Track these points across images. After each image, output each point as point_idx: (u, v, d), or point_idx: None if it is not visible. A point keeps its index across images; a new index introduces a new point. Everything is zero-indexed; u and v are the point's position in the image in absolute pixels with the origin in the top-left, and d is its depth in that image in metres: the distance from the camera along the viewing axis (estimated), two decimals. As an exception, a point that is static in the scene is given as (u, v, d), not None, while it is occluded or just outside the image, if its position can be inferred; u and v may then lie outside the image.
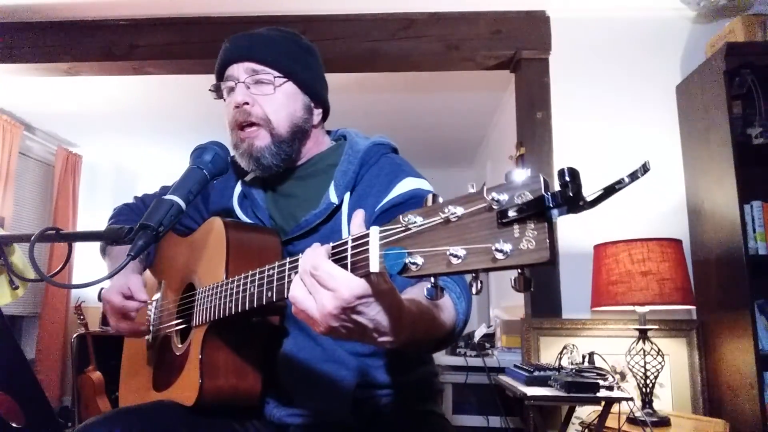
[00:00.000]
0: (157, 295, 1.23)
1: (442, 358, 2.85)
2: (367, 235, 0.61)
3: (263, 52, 1.09)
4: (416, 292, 0.79)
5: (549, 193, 0.47)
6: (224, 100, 1.15)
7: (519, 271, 0.51)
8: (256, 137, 1.08)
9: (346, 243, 0.64)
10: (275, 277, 0.79)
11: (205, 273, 1.07)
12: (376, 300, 0.63)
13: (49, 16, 2.86)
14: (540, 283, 2.50)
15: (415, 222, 0.57)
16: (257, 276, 0.84)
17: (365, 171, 1.10)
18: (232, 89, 1.10)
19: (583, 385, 1.75)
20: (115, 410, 0.99)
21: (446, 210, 0.54)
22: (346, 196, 1.07)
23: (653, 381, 2.00)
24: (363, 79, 3.43)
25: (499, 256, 0.50)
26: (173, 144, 4.76)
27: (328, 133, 1.24)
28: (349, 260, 0.63)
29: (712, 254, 2.26)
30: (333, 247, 0.66)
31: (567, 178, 0.47)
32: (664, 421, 1.94)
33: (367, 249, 0.60)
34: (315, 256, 0.64)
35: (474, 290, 0.55)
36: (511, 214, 0.49)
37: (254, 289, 0.84)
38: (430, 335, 0.80)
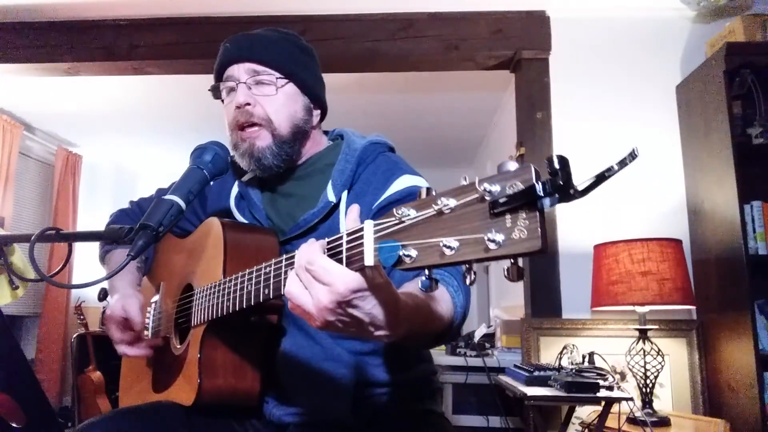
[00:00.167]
0: (156, 297, 1.23)
1: (442, 358, 2.85)
2: (361, 229, 0.62)
3: (264, 52, 1.09)
4: (413, 287, 0.79)
5: (539, 182, 0.47)
6: (222, 100, 1.15)
7: (512, 260, 0.51)
8: (258, 137, 1.08)
9: (341, 238, 0.65)
10: (272, 274, 0.79)
11: (203, 274, 1.07)
12: (372, 293, 0.63)
13: (49, 16, 2.86)
14: (540, 283, 2.50)
15: (409, 215, 0.57)
16: (254, 274, 0.84)
17: (362, 169, 1.10)
18: (232, 89, 1.10)
19: (583, 385, 1.75)
20: (114, 411, 0.99)
21: (439, 202, 0.55)
22: (344, 195, 1.07)
23: (653, 381, 2.00)
24: (363, 79, 3.43)
25: (491, 246, 0.50)
26: (173, 144, 4.76)
27: (325, 133, 1.24)
28: (344, 254, 0.64)
29: (712, 254, 2.26)
30: (328, 242, 0.67)
31: (556, 166, 0.47)
32: (664, 421, 1.94)
33: (362, 243, 0.61)
34: (310, 252, 0.65)
35: (468, 281, 0.55)
36: (503, 204, 0.49)
37: (251, 287, 0.84)
38: (427, 328, 0.80)
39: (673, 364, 2.29)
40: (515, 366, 2.09)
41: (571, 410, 2.09)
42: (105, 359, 3.93)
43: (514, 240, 0.49)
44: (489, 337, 3.06)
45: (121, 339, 1.10)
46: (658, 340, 2.10)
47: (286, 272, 0.75)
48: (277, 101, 1.09)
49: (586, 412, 2.09)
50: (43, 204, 4.70)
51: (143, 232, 0.88)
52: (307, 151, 1.16)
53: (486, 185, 0.51)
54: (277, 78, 1.09)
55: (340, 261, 0.64)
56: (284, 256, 0.77)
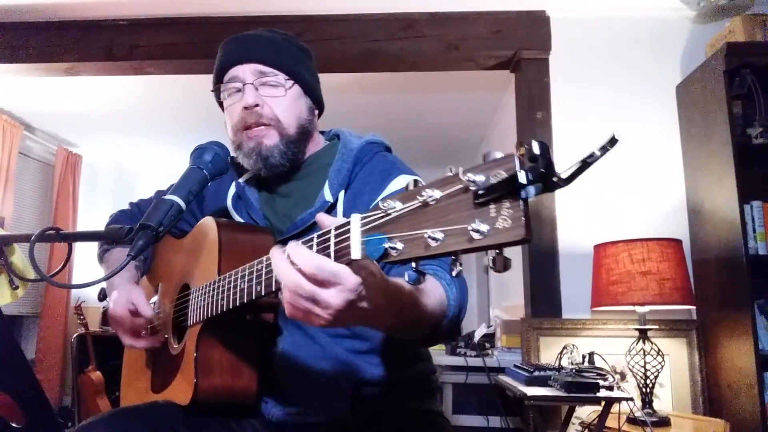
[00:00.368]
0: (155, 298, 1.23)
1: (442, 358, 2.86)
2: (348, 223, 0.62)
3: (269, 53, 1.09)
4: (402, 280, 0.79)
5: (522, 171, 0.47)
6: (221, 101, 1.15)
7: (497, 251, 0.51)
8: (265, 136, 1.08)
9: (329, 232, 0.65)
10: (264, 271, 0.79)
11: (200, 273, 1.07)
12: (370, 284, 0.64)
13: (49, 16, 2.86)
14: (540, 283, 2.50)
15: (395, 207, 0.57)
16: (246, 271, 0.84)
17: (359, 169, 1.10)
18: (238, 90, 1.10)
19: (583, 385, 1.75)
20: (112, 411, 0.99)
21: (424, 193, 0.54)
22: (341, 195, 1.08)
23: (653, 381, 2.00)
24: (363, 79, 3.43)
25: (476, 236, 0.50)
26: (173, 144, 4.76)
27: (321, 133, 1.25)
28: (332, 249, 0.64)
29: (712, 254, 2.26)
30: (318, 236, 0.66)
31: (536, 152, 0.46)
32: (664, 421, 1.94)
33: (349, 237, 0.61)
34: (312, 257, 0.64)
35: (454, 273, 0.55)
36: (486, 193, 0.49)
37: (244, 284, 0.84)
38: (418, 320, 0.79)
39: (673, 364, 2.29)
40: (515, 366, 2.09)
41: (571, 410, 2.09)
42: (105, 359, 3.93)
43: (498, 230, 0.49)
44: (489, 337, 3.06)
45: (129, 330, 1.10)
46: (658, 340, 2.10)
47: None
48: (286, 102, 1.09)
49: (586, 412, 2.09)
50: (43, 204, 4.70)
51: (143, 232, 0.88)
52: (308, 152, 1.17)
53: (470, 175, 0.50)
54: (285, 80, 1.09)
55: (328, 255, 0.64)
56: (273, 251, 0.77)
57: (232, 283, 0.88)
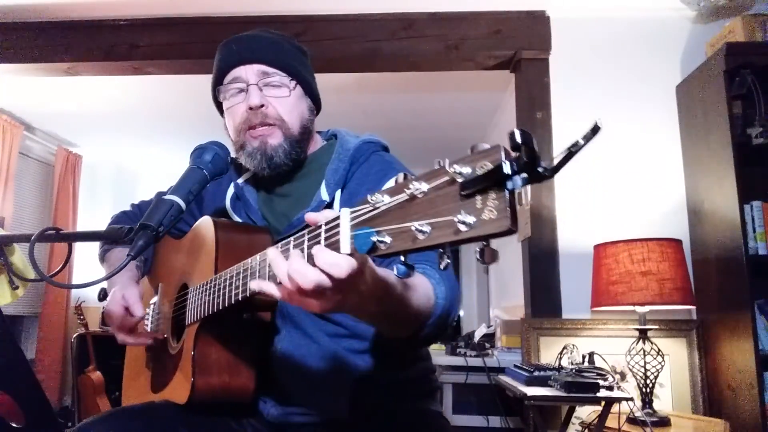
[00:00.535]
0: (155, 299, 1.23)
1: (442, 358, 2.86)
2: (338, 218, 0.62)
3: (272, 54, 1.10)
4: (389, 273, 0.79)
5: (507, 161, 0.47)
6: (220, 102, 1.15)
7: (484, 242, 0.51)
8: (270, 135, 1.08)
9: (320, 227, 0.65)
10: (257, 267, 0.80)
11: (198, 273, 1.07)
12: (362, 272, 0.64)
13: (49, 16, 2.85)
14: (540, 283, 2.50)
15: (383, 201, 0.57)
16: (241, 269, 0.85)
17: (356, 168, 1.11)
18: (240, 91, 1.10)
19: (583, 385, 1.75)
20: (111, 410, 1.00)
21: (411, 186, 0.54)
22: (337, 194, 1.08)
23: (653, 381, 2.00)
24: (363, 79, 3.43)
25: (462, 228, 0.49)
26: (173, 144, 4.76)
27: (319, 133, 1.25)
28: (323, 244, 0.64)
29: (712, 254, 2.26)
30: (308, 231, 0.67)
31: (518, 141, 0.46)
32: (664, 421, 1.94)
33: (339, 231, 0.61)
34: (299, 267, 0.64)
35: (441, 266, 0.55)
36: (472, 185, 0.49)
37: (239, 281, 0.85)
38: (405, 311, 0.79)
39: (673, 364, 2.29)
40: (515, 366, 2.09)
41: (571, 410, 2.09)
42: (105, 359, 3.93)
43: (484, 221, 0.48)
44: (489, 337, 3.06)
45: (120, 326, 1.10)
46: (658, 340, 2.10)
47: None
48: (290, 103, 1.10)
49: (586, 412, 2.09)
50: (43, 204, 4.70)
51: (143, 232, 0.88)
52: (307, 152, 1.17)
53: (456, 167, 0.50)
54: (289, 80, 1.10)
55: None
56: (268, 249, 0.77)
57: (227, 281, 0.89)
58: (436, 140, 4.70)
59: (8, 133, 3.97)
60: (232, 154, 1.12)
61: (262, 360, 1.05)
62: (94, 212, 4.99)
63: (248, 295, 0.82)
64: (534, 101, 2.64)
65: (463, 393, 2.79)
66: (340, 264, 0.61)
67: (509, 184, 0.47)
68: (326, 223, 0.64)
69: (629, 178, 2.55)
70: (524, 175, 0.47)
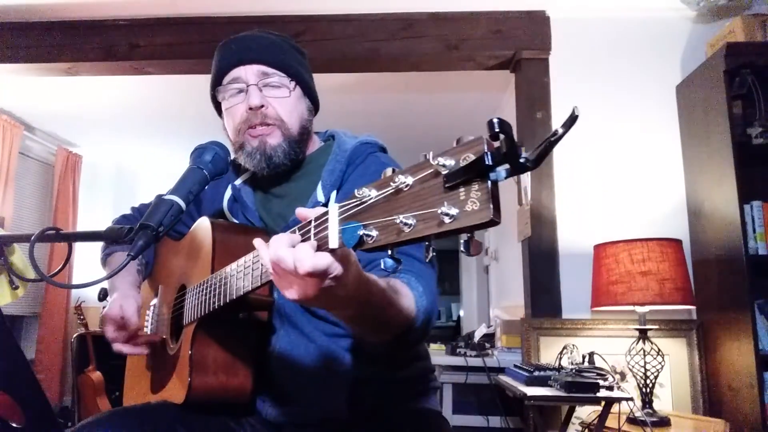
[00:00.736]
0: (155, 301, 1.23)
1: (442, 358, 2.86)
2: (327, 213, 0.63)
3: (271, 54, 1.10)
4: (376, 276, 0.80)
5: (489, 153, 0.47)
6: (219, 102, 1.15)
7: (468, 234, 0.51)
8: (270, 135, 1.09)
9: (310, 223, 0.66)
10: (251, 265, 0.80)
11: (195, 274, 1.07)
12: (346, 267, 0.65)
13: (49, 16, 2.85)
14: (540, 283, 2.50)
15: (370, 195, 0.58)
16: (235, 268, 0.85)
17: (352, 170, 1.11)
18: (240, 91, 1.10)
19: (583, 385, 1.75)
20: (109, 411, 1.00)
21: (397, 180, 0.55)
22: (333, 195, 1.08)
23: (653, 381, 2.00)
24: (363, 79, 3.43)
25: (446, 219, 0.50)
26: (173, 144, 4.76)
27: (317, 134, 1.25)
28: (312, 239, 0.64)
29: (712, 254, 2.26)
30: (300, 228, 0.68)
31: (496, 130, 0.46)
32: (664, 421, 1.94)
33: (328, 226, 0.62)
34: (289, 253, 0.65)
35: (427, 258, 0.56)
36: (454, 177, 0.49)
37: (233, 280, 0.85)
38: (383, 315, 0.79)
39: (673, 364, 2.29)
40: (515, 366, 2.09)
41: (571, 410, 2.09)
42: (105, 359, 3.92)
43: (467, 212, 0.49)
44: (489, 337, 3.06)
45: (115, 337, 1.10)
46: (658, 340, 2.10)
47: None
48: (289, 103, 1.10)
49: (586, 412, 2.09)
50: (43, 204, 4.69)
51: (143, 232, 0.88)
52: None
53: (440, 159, 0.51)
54: (289, 81, 1.10)
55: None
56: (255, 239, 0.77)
57: (222, 281, 0.89)
58: (435, 140, 4.69)
59: (8, 133, 3.97)
60: (232, 155, 1.12)
61: (260, 360, 1.05)
62: (94, 212, 4.99)
63: (242, 293, 0.82)
64: (534, 101, 2.64)
65: (463, 393, 2.79)
66: (318, 256, 0.62)
67: (492, 176, 0.47)
68: (315, 219, 0.65)
69: (629, 178, 2.55)
70: (507, 166, 0.47)
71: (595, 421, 1.82)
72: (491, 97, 3.73)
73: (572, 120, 0.46)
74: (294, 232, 0.68)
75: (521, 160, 0.46)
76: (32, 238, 0.95)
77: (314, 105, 1.19)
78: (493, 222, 0.47)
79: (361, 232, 0.57)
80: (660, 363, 2.00)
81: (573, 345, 2.12)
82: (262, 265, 0.77)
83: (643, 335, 2.03)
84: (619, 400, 1.76)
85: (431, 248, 0.55)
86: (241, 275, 0.83)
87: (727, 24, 2.40)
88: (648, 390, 2.00)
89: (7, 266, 1.30)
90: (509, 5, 2.70)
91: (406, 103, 3.94)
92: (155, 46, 2.83)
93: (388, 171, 0.58)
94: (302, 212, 0.68)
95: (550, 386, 1.84)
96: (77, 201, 4.79)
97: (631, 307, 2.05)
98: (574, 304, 2.45)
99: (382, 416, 1.06)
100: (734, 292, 2.10)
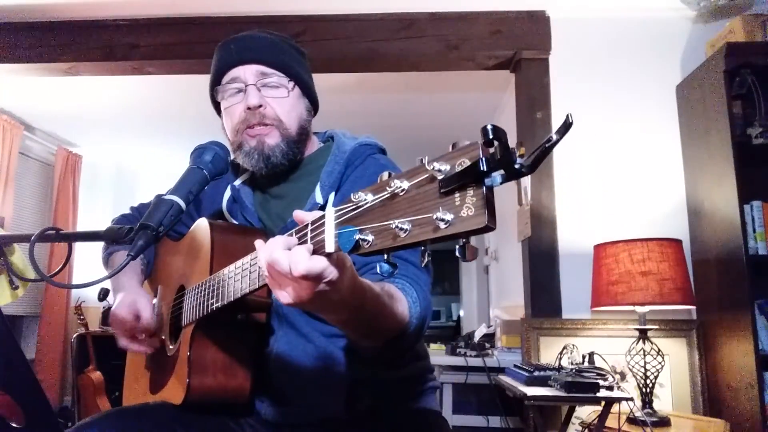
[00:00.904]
0: (154, 301, 1.24)
1: (442, 358, 2.86)
2: (323, 217, 0.63)
3: (270, 55, 1.10)
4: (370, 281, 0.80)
5: (483, 158, 0.47)
6: (218, 102, 1.15)
7: (464, 239, 0.51)
8: (268, 135, 1.09)
9: (306, 227, 0.66)
10: (249, 267, 0.80)
11: (194, 275, 1.07)
12: (340, 271, 0.65)
13: (49, 16, 2.85)
14: (540, 283, 2.50)
15: (366, 199, 0.58)
16: (233, 269, 0.85)
17: (351, 171, 1.11)
18: (238, 91, 1.10)
19: (583, 385, 1.75)
20: (108, 411, 1.00)
21: (393, 184, 0.55)
22: (331, 196, 1.08)
23: (653, 381, 2.00)
24: (363, 79, 3.43)
25: (441, 225, 0.50)
26: (173, 144, 4.76)
27: (316, 134, 1.25)
28: (309, 243, 0.65)
29: (712, 254, 2.26)
30: (296, 231, 0.67)
31: (490, 136, 0.46)
32: (664, 421, 1.94)
33: (324, 230, 0.62)
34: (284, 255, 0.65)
35: (423, 263, 0.56)
36: (451, 182, 0.49)
37: (231, 282, 0.85)
38: (377, 321, 0.80)
39: (673, 364, 2.29)
40: (515, 366, 2.09)
41: (571, 410, 2.09)
42: (105, 359, 3.92)
43: (462, 218, 0.49)
44: (489, 337, 3.06)
45: (125, 334, 1.10)
46: (658, 340, 2.10)
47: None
48: (288, 103, 1.10)
49: (586, 412, 2.09)
50: (43, 204, 4.69)
51: (143, 232, 0.88)
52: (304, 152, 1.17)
53: (436, 164, 0.51)
54: (288, 81, 1.10)
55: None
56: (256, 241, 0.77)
57: (220, 282, 0.89)
58: (435, 140, 4.70)
59: (8, 133, 3.97)
60: (231, 155, 1.12)
61: (259, 360, 1.05)
62: (94, 212, 4.99)
63: (240, 295, 0.82)
64: (534, 101, 2.64)
65: (463, 393, 2.79)
66: (313, 260, 0.62)
67: (487, 181, 0.47)
68: (312, 222, 0.65)
69: (629, 178, 2.55)
70: (502, 171, 0.47)
71: (595, 421, 1.82)
72: (491, 97, 3.73)
73: (567, 127, 0.46)
74: (291, 234, 0.68)
75: (516, 166, 0.46)
76: (32, 238, 0.95)
77: (314, 105, 1.19)
78: (488, 228, 0.47)
79: (357, 237, 0.57)
80: (660, 363, 2.00)
81: (573, 345, 2.12)
82: (260, 267, 0.77)
83: (643, 335, 2.03)
84: (619, 400, 1.76)
85: (427, 253, 0.55)
86: (239, 277, 0.83)
87: (727, 24, 2.40)
88: (648, 390, 2.00)
89: (7, 266, 1.30)
90: (509, 5, 2.70)
91: (406, 103, 3.94)
92: (155, 46, 2.83)
93: (385, 175, 0.58)
94: (299, 215, 0.68)
95: (550, 386, 1.84)
96: (77, 201, 4.79)
97: (631, 307, 2.05)
98: (574, 304, 2.45)
99: (381, 416, 1.06)
100: (734, 292, 2.10)
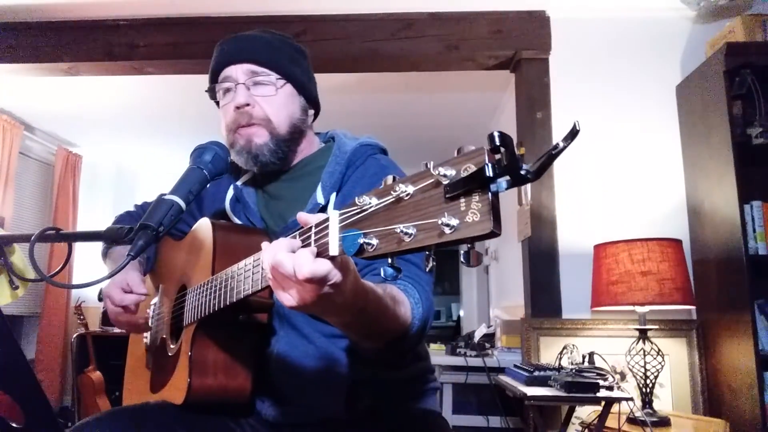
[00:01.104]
0: (155, 300, 1.24)
1: (442, 358, 2.86)
2: (327, 220, 0.63)
3: (262, 53, 1.10)
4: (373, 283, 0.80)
5: (489, 164, 0.47)
6: (217, 101, 1.15)
7: (469, 245, 0.51)
8: (255, 134, 1.09)
9: (310, 229, 0.66)
10: (252, 269, 0.80)
11: (196, 274, 1.07)
12: (343, 274, 0.65)
13: (49, 16, 2.85)
14: (540, 283, 2.50)
15: (370, 203, 0.57)
16: (236, 270, 0.85)
17: (352, 172, 1.11)
18: (230, 90, 1.11)
19: (583, 385, 1.75)
20: (108, 410, 1.00)
21: (397, 188, 0.55)
22: (332, 197, 1.08)
23: (653, 381, 2.00)
24: (363, 79, 3.43)
25: (446, 230, 0.50)
26: (173, 144, 4.76)
27: (318, 134, 1.25)
28: (313, 246, 0.64)
29: (712, 254, 2.26)
30: (300, 233, 0.67)
31: (497, 143, 0.46)
32: (664, 421, 1.94)
33: (328, 234, 0.62)
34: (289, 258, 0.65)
35: (427, 268, 0.56)
36: (456, 187, 0.49)
37: (234, 283, 0.85)
38: (379, 323, 0.80)
39: (673, 364, 2.29)
40: (515, 366, 2.09)
41: (571, 410, 2.09)
42: (105, 359, 3.93)
43: (467, 223, 0.49)
44: (489, 337, 3.06)
45: (119, 302, 1.09)
46: (658, 340, 2.10)
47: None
48: (277, 102, 1.10)
49: (586, 412, 2.09)
50: (43, 204, 4.69)
51: (143, 232, 0.88)
52: (301, 152, 1.17)
53: (441, 169, 0.51)
54: (276, 79, 1.10)
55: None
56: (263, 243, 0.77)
57: (223, 283, 0.89)
58: (435, 140, 4.70)
59: (8, 133, 3.97)
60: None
61: (260, 361, 1.05)
62: (94, 212, 4.99)
63: (242, 296, 0.82)
64: (534, 101, 2.64)
65: (463, 393, 2.79)
66: (317, 263, 0.62)
67: (493, 187, 0.48)
68: (316, 225, 0.65)
69: (629, 178, 2.55)
70: (507, 177, 0.47)
71: (595, 421, 1.82)
72: (491, 97, 3.73)
73: (573, 134, 0.46)
74: (294, 237, 0.68)
75: (522, 172, 0.46)
76: (32, 238, 0.95)
77: (313, 105, 1.19)
78: (494, 234, 0.47)
79: (361, 241, 0.57)
80: (660, 363, 2.00)
81: (573, 345, 2.12)
82: (263, 268, 0.77)
83: (643, 335, 2.03)
84: (619, 400, 1.76)
85: (431, 258, 0.55)
86: (242, 278, 0.83)
87: (727, 24, 2.40)
88: (648, 390, 2.00)
89: (7, 266, 1.30)
90: (509, 5, 2.70)
91: (406, 103, 3.94)
92: (155, 46, 2.83)
93: (389, 179, 0.57)
94: (303, 217, 0.68)
95: (550, 386, 1.84)
96: (77, 201, 4.79)
97: (631, 307, 2.05)
98: (574, 304, 2.45)
99: (381, 417, 1.06)
100: (734, 292, 2.10)
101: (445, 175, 0.50)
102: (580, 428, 2.03)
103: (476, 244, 0.53)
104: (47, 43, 2.86)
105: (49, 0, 2.72)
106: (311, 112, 1.19)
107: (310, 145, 1.19)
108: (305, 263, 0.61)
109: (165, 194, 0.96)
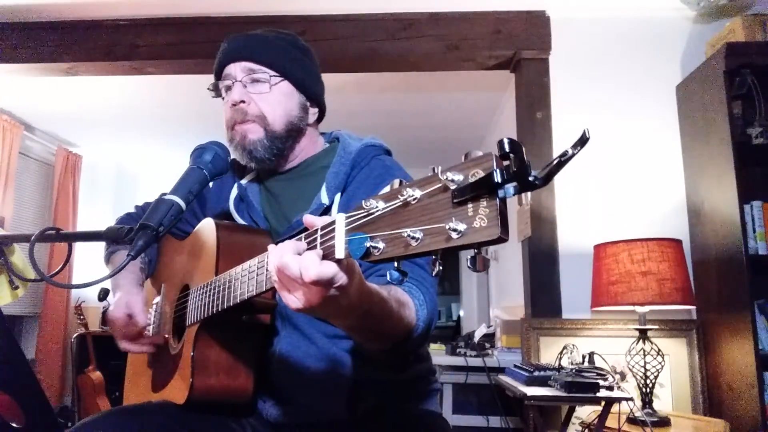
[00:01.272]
0: (158, 299, 1.24)
1: (442, 358, 2.86)
2: (333, 223, 0.63)
3: (260, 51, 1.11)
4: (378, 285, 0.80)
5: (497, 170, 0.47)
6: (222, 98, 1.16)
7: (476, 250, 0.51)
8: (249, 130, 1.11)
9: (316, 232, 0.66)
10: (256, 270, 0.80)
11: (199, 274, 1.08)
12: (348, 276, 0.64)
13: (49, 16, 2.85)
14: (540, 283, 2.50)
15: (377, 207, 0.58)
16: (240, 271, 0.85)
17: (356, 172, 1.11)
18: (229, 88, 1.13)
19: (583, 385, 1.75)
20: (108, 410, 1.00)
21: (405, 192, 0.55)
22: (337, 197, 1.08)
23: (653, 381, 2.00)
24: (363, 79, 3.43)
25: (453, 235, 0.50)
26: (173, 144, 4.76)
27: (322, 135, 1.25)
28: (319, 248, 0.64)
29: (712, 254, 2.26)
30: (306, 236, 0.67)
31: (506, 150, 0.46)
32: (664, 421, 1.94)
33: (334, 236, 0.62)
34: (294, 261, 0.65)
35: (434, 272, 0.56)
36: (464, 192, 0.49)
37: (238, 284, 0.85)
38: (383, 325, 0.80)
39: (673, 364, 2.29)
40: (515, 366, 2.09)
41: (571, 410, 2.09)
42: (105, 359, 3.93)
43: (475, 228, 0.49)
44: (489, 337, 3.06)
45: (123, 335, 1.11)
46: (658, 340, 2.10)
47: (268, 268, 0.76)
48: (271, 98, 1.11)
49: (586, 412, 2.09)
50: (43, 204, 4.69)
51: (143, 232, 0.88)
52: (303, 152, 1.18)
53: (449, 174, 0.51)
54: (271, 76, 1.11)
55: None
56: (267, 252, 0.77)
57: (227, 284, 0.89)
58: (436, 140, 4.70)
59: (8, 133, 3.97)
60: (232, 154, 1.12)
61: (262, 361, 1.05)
62: (94, 212, 4.99)
63: (246, 297, 0.82)
64: (534, 101, 2.64)
65: (463, 393, 2.79)
66: (324, 265, 0.62)
67: (500, 193, 0.48)
68: (322, 228, 0.65)
69: (629, 178, 2.55)
70: (515, 183, 0.47)
71: (595, 421, 1.82)
72: (491, 97, 3.73)
73: (583, 142, 0.46)
74: (300, 239, 0.68)
75: (530, 179, 0.47)
76: (32, 238, 0.95)
77: (315, 103, 1.18)
78: (501, 239, 0.47)
79: (368, 244, 0.57)
80: (660, 363, 2.00)
81: (573, 345, 2.12)
82: (267, 270, 0.77)
83: (643, 335, 2.03)
84: (619, 400, 1.76)
85: (438, 262, 0.55)
86: (246, 279, 0.83)
87: (727, 24, 2.40)
88: (648, 390, 2.00)
89: (7, 266, 1.30)
90: (509, 5, 2.70)
91: (406, 103, 3.94)
92: (155, 46, 2.83)
93: (396, 183, 0.58)
94: (309, 219, 0.68)
95: (550, 386, 1.84)
96: (77, 201, 4.79)
97: (631, 307, 2.05)
98: (574, 304, 2.45)
99: (383, 418, 1.06)
100: (734, 292, 2.10)
101: (452, 180, 0.50)
102: (580, 428, 2.03)
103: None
104: (47, 43, 2.86)
105: (49, 0, 2.72)
106: (313, 110, 1.19)
107: (313, 145, 1.19)
108: (311, 266, 0.61)
109: (165, 194, 0.96)
